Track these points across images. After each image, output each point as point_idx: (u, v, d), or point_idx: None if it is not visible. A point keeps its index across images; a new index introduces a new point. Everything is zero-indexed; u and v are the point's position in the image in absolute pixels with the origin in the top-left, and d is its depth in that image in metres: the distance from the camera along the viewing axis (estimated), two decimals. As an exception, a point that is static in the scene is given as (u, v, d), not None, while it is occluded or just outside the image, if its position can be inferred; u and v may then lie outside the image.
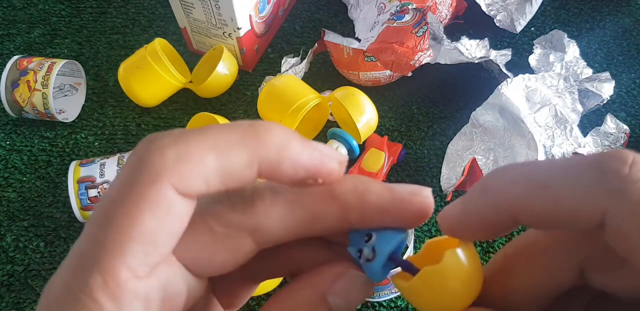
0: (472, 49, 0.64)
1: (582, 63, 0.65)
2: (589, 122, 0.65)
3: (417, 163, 0.63)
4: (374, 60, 0.63)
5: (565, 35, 0.66)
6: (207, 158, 0.16)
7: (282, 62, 0.66)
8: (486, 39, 0.65)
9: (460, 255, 0.17)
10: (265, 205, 0.18)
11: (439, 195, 0.60)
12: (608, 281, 0.17)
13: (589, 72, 0.65)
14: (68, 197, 0.58)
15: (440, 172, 0.60)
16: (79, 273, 0.15)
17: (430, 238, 0.57)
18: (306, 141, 0.18)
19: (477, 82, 0.69)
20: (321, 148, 0.18)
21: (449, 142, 0.61)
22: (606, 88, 0.63)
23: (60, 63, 0.63)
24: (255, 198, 0.18)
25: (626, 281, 0.17)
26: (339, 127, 0.65)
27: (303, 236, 0.19)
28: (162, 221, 0.16)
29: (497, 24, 0.71)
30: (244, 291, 0.21)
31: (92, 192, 0.54)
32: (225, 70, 0.65)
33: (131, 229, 0.16)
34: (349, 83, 0.67)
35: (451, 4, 0.70)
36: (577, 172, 0.16)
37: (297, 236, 0.19)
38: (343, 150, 0.60)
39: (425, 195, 0.19)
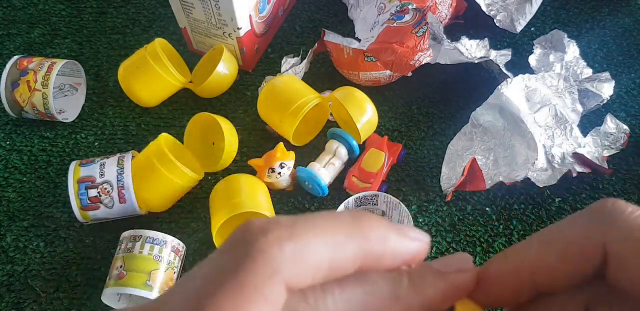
0: (472, 49, 0.64)
1: (582, 63, 0.65)
2: (589, 122, 0.65)
3: (417, 163, 0.63)
4: (374, 60, 0.63)
5: (565, 35, 0.66)
6: (321, 253, 0.17)
7: (282, 62, 0.66)
8: (486, 39, 0.65)
9: None
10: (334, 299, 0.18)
11: (439, 195, 0.60)
12: None
13: (589, 72, 0.65)
14: (68, 197, 0.58)
15: (440, 172, 0.60)
16: None
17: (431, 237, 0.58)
18: (401, 232, 0.19)
19: (477, 82, 0.69)
20: (414, 236, 0.19)
21: (449, 142, 0.61)
22: (606, 89, 0.63)
23: (60, 63, 0.63)
24: (326, 292, 0.18)
25: None
26: (339, 127, 0.65)
27: None
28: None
29: (497, 24, 0.71)
30: None
31: (92, 192, 0.54)
32: (225, 70, 0.65)
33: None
34: (349, 83, 0.67)
35: (451, 4, 0.70)
36: (576, 219, 0.18)
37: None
38: (343, 150, 0.60)
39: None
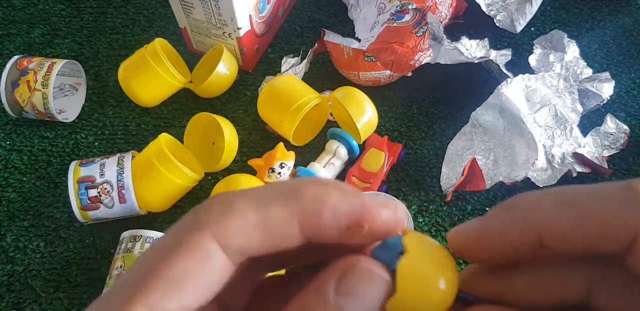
0: (472, 49, 0.64)
1: (582, 63, 0.65)
2: (589, 122, 0.65)
3: (417, 163, 0.63)
4: (374, 60, 0.63)
5: (565, 35, 0.66)
6: (247, 212, 0.16)
7: (282, 62, 0.66)
8: (486, 39, 0.65)
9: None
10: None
11: (439, 195, 0.60)
12: (615, 305, 0.17)
13: (588, 72, 0.65)
14: (68, 197, 0.58)
15: (440, 172, 0.60)
16: (103, 306, 0.16)
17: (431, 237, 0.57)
18: (347, 190, 0.17)
19: (477, 82, 0.69)
20: (367, 196, 0.17)
21: (449, 142, 0.61)
22: (606, 89, 0.63)
23: (60, 63, 0.63)
24: None
25: (636, 306, 0.16)
26: (339, 127, 0.65)
27: (272, 252, 0.18)
28: (193, 268, 0.16)
29: (497, 24, 0.71)
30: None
31: (92, 192, 0.54)
32: (225, 70, 0.65)
33: (161, 273, 0.16)
34: (349, 83, 0.67)
35: (451, 4, 0.70)
36: (608, 191, 0.16)
37: (270, 249, 0.18)
38: (343, 150, 0.60)
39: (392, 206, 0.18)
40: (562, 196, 0.16)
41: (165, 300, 0.16)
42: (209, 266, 0.16)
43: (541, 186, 0.57)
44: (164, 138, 0.57)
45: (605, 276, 0.17)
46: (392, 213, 0.17)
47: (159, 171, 0.55)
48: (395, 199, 0.55)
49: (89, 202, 0.54)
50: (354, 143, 0.59)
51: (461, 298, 0.17)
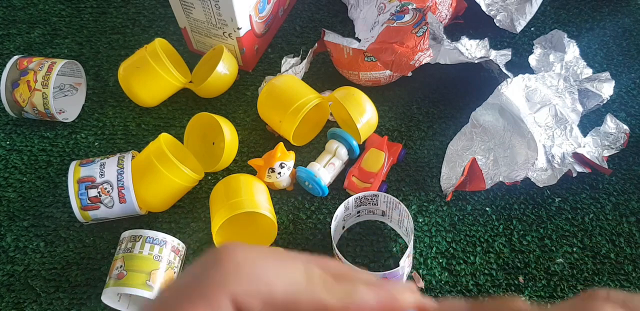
0: (472, 49, 0.64)
1: (582, 63, 0.65)
2: (589, 122, 0.65)
3: (417, 163, 0.63)
4: (374, 60, 0.63)
5: (565, 35, 0.66)
6: (270, 278, 0.18)
7: (282, 62, 0.66)
8: (486, 39, 0.65)
9: None
10: None
11: (439, 195, 0.60)
12: None
13: (589, 72, 0.65)
14: (68, 197, 0.58)
15: (440, 172, 0.60)
16: None
17: (429, 238, 0.57)
18: (373, 284, 0.19)
19: (477, 82, 0.69)
20: (388, 287, 0.20)
21: (449, 142, 0.61)
22: (606, 88, 0.63)
23: (60, 63, 0.63)
24: None
25: None
26: (339, 127, 0.65)
27: None
28: None
29: (497, 24, 0.71)
30: None
31: (92, 192, 0.54)
32: (225, 70, 0.65)
33: None
34: (349, 83, 0.67)
35: (451, 4, 0.70)
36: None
37: None
38: (343, 150, 0.60)
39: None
40: None
41: None
42: None
43: (541, 186, 0.57)
44: (164, 138, 0.57)
45: None
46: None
47: (159, 171, 0.55)
48: (395, 199, 0.55)
49: (89, 202, 0.54)
50: (354, 143, 0.59)
51: None
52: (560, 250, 0.57)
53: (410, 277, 0.55)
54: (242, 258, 0.18)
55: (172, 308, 0.17)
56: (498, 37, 0.74)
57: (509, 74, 0.62)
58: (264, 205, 0.54)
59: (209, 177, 0.62)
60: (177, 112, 0.67)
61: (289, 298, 0.18)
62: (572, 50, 0.65)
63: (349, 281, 0.19)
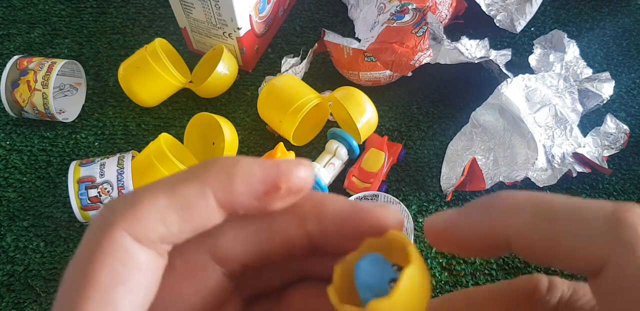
0: (472, 49, 0.64)
1: (582, 63, 0.65)
2: (589, 122, 0.65)
3: (417, 164, 0.63)
4: (374, 60, 0.63)
5: (565, 35, 0.66)
6: (157, 198, 0.15)
7: (282, 62, 0.66)
8: (486, 39, 0.65)
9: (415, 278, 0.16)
10: (220, 226, 0.17)
11: (439, 195, 0.60)
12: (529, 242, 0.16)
13: (588, 72, 0.65)
14: (68, 197, 0.58)
15: (440, 172, 0.60)
16: None
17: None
18: (258, 159, 0.17)
19: (477, 82, 0.69)
20: (276, 159, 0.17)
21: (449, 142, 0.61)
22: (606, 88, 0.63)
23: (60, 63, 0.63)
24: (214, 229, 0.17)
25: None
26: (339, 127, 0.65)
27: (269, 255, 0.17)
28: (119, 274, 0.15)
29: (497, 24, 0.71)
30: None
31: (92, 192, 0.54)
32: (225, 70, 0.65)
33: (87, 288, 0.14)
34: (349, 83, 0.67)
35: (451, 4, 0.70)
36: (590, 214, 0.15)
37: (262, 255, 0.17)
38: (343, 150, 0.60)
39: (388, 207, 0.17)
40: (543, 208, 0.16)
41: None
42: (134, 266, 0.15)
43: (541, 186, 0.57)
44: (164, 138, 0.57)
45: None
46: (308, 170, 0.17)
47: (159, 171, 0.55)
48: (395, 199, 0.55)
49: (89, 202, 0.54)
50: (354, 143, 0.59)
51: None
52: (560, 250, 0.56)
53: None
54: (119, 198, 0.16)
55: (78, 277, 0.15)
56: (498, 37, 0.74)
57: (509, 73, 0.62)
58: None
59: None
60: (177, 112, 0.67)
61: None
62: (572, 50, 0.65)
63: None
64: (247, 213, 0.17)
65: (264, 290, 0.19)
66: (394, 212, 0.17)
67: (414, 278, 0.15)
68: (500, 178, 0.57)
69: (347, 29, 0.75)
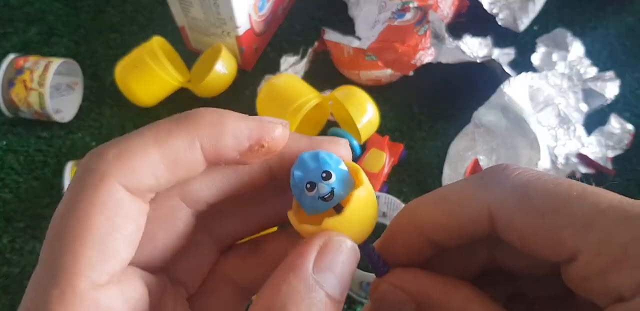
0: (474, 47, 0.63)
1: (586, 62, 0.64)
2: (593, 121, 0.64)
3: (418, 164, 0.62)
4: (374, 59, 0.62)
5: (569, 34, 0.65)
6: (148, 149, 0.16)
7: (282, 61, 0.65)
8: (488, 37, 0.65)
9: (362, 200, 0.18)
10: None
11: (441, 196, 0.60)
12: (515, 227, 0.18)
13: (592, 71, 0.64)
14: (64, 198, 0.57)
15: (441, 173, 0.60)
16: (39, 290, 0.15)
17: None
18: (242, 115, 0.18)
19: (480, 82, 0.68)
20: (259, 117, 0.18)
21: (450, 142, 0.61)
22: (610, 88, 0.62)
23: (57, 62, 0.62)
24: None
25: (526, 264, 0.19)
26: (339, 126, 0.64)
27: (235, 192, 0.18)
28: (114, 223, 0.15)
29: (500, 23, 0.70)
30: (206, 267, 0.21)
31: (89, 193, 0.53)
32: (223, 69, 0.64)
33: (84, 235, 0.15)
34: (350, 82, 0.66)
35: (453, 3, 0.69)
36: (465, 181, 0.18)
37: (228, 192, 0.18)
38: (343, 151, 0.59)
39: (339, 141, 0.19)
40: (438, 195, 0.19)
41: (102, 266, 0.15)
42: (126, 216, 0.16)
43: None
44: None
45: (504, 247, 0.18)
46: (286, 130, 0.19)
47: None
48: (396, 200, 0.54)
49: (85, 203, 0.53)
50: (355, 143, 0.59)
51: (368, 253, 0.19)
52: (564, 252, 0.56)
53: None
54: (105, 147, 0.17)
55: (71, 227, 0.15)
56: (501, 35, 0.73)
57: (512, 73, 0.61)
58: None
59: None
60: (175, 111, 0.66)
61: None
62: (576, 49, 0.65)
63: None
64: (225, 165, 0.18)
65: (237, 238, 0.21)
66: (344, 144, 0.19)
67: (364, 197, 0.18)
68: (503, 179, 0.56)
69: (348, 27, 0.74)
